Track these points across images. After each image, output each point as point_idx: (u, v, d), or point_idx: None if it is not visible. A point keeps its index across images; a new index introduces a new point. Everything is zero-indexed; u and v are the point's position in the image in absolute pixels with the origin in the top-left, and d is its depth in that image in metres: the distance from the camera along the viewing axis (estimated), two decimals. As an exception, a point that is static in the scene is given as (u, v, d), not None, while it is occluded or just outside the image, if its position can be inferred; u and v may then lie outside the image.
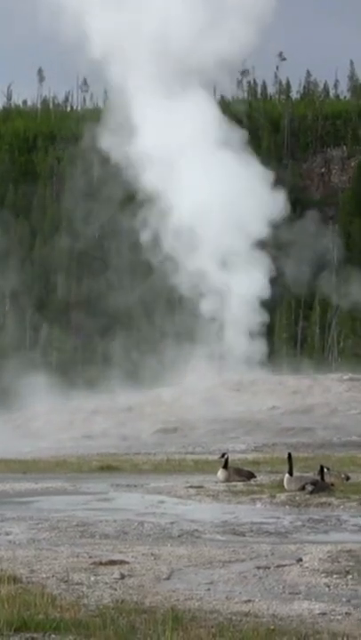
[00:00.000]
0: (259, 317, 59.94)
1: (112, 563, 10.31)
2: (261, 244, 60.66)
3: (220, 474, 20.06)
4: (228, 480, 19.69)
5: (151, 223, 61.93)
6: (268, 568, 10.17)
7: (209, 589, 9.11)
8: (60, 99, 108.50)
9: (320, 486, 17.48)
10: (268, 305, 62.93)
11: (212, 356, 58.14)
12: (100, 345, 67.55)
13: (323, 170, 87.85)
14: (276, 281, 62.91)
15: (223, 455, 20.88)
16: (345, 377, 53.62)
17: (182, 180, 58.78)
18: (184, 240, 59.86)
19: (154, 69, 61.21)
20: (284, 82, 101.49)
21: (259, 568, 10.16)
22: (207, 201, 57.81)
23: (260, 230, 59.96)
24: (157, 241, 61.68)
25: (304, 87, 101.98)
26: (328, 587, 9.29)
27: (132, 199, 65.10)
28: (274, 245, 62.08)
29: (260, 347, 60.36)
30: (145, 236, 62.74)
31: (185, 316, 61.01)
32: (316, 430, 41.02)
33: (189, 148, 58.87)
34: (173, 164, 59.43)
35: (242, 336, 58.85)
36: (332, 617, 7.92)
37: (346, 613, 8.05)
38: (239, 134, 61.90)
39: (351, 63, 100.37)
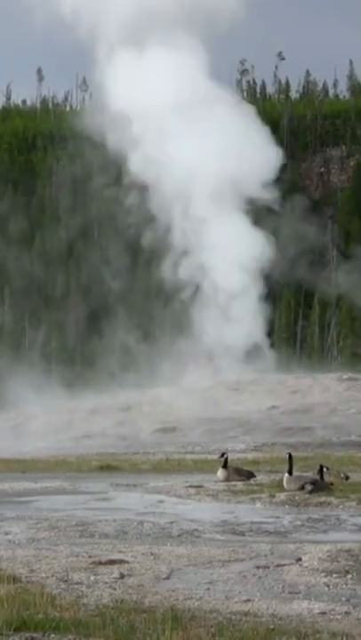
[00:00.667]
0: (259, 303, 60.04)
1: (111, 562, 10.31)
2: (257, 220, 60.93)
3: (220, 473, 20.06)
4: (227, 479, 19.70)
5: (143, 206, 62.41)
6: (268, 567, 10.17)
7: (208, 589, 9.11)
8: (60, 98, 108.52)
9: (319, 486, 17.49)
10: (268, 304, 62.98)
11: (210, 354, 58.14)
12: (98, 344, 67.52)
13: (322, 169, 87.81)
14: (274, 280, 62.97)
15: (223, 455, 20.87)
16: (344, 376, 53.64)
17: (174, 146, 59.06)
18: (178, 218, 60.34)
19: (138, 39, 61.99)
20: (283, 81, 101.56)
21: (258, 567, 10.16)
22: (200, 164, 58.05)
23: (255, 192, 60.20)
24: (153, 227, 62.19)
25: (303, 87, 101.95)
26: (327, 586, 9.29)
27: (121, 180, 65.61)
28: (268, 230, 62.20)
29: (260, 344, 60.39)
30: (139, 221, 63.28)
31: (183, 313, 61.03)
32: (315, 430, 41.02)
33: (180, 110, 59.23)
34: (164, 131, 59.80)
35: (241, 331, 58.83)
36: (331, 616, 7.92)
37: (345, 613, 8.05)
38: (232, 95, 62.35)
39: (350, 63, 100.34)
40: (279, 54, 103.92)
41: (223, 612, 8.00)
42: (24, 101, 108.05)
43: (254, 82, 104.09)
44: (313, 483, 17.58)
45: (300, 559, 10.55)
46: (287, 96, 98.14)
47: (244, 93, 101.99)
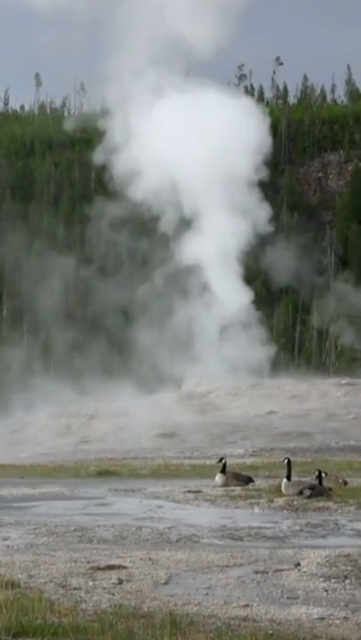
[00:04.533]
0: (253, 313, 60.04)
1: (110, 568, 10.31)
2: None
3: (218, 478, 20.05)
4: (226, 485, 19.68)
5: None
6: (267, 573, 10.17)
7: (207, 594, 9.11)
8: (58, 103, 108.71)
9: (318, 491, 17.49)
10: (266, 309, 63.01)
11: (210, 360, 58.12)
12: (96, 350, 67.49)
13: (320, 174, 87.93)
14: (273, 284, 63.08)
15: (221, 460, 20.85)
16: (343, 381, 53.61)
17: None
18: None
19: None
20: (281, 86, 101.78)
21: (257, 573, 10.16)
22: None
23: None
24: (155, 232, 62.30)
25: (301, 92, 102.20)
26: (326, 591, 9.29)
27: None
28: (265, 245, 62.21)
29: (258, 351, 60.38)
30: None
31: (183, 318, 61.01)
32: (313, 435, 40.98)
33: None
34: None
35: (240, 337, 58.82)
36: (330, 621, 7.93)
37: (344, 618, 8.06)
38: None
39: (348, 67, 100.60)
40: (277, 59, 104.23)
41: (222, 617, 8.00)
42: (22, 106, 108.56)
43: (252, 87, 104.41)
44: (311, 488, 17.58)
45: (298, 564, 10.55)
46: (285, 101, 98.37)
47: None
